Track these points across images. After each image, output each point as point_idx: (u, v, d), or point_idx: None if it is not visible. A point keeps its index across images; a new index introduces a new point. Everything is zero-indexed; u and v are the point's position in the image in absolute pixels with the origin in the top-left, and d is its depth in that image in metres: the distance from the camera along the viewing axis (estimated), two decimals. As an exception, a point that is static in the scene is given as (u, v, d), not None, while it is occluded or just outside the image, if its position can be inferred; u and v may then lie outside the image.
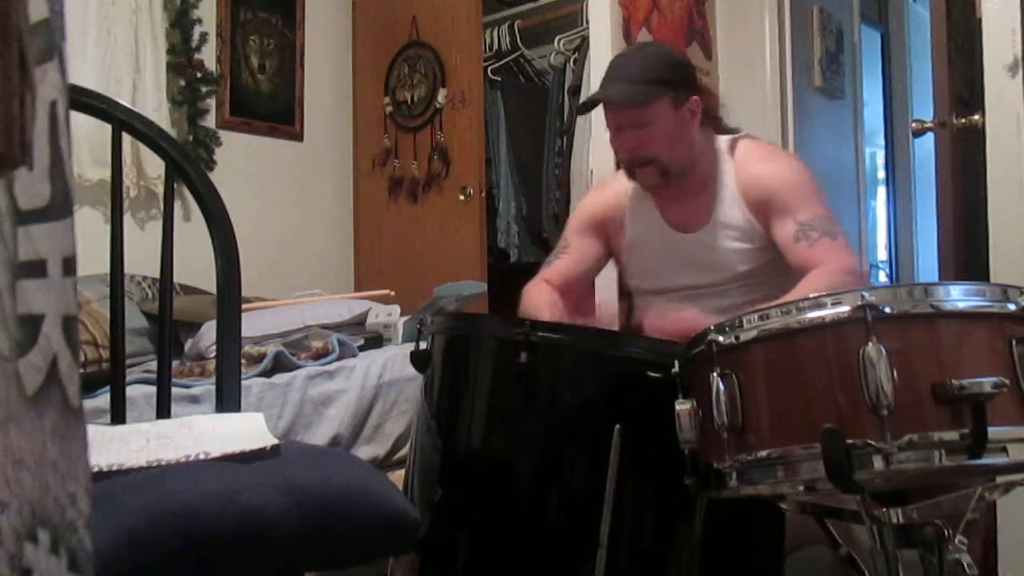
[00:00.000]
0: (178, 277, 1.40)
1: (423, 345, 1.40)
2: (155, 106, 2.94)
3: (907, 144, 4.31)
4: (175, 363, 1.86)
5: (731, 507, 1.11)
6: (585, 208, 1.96)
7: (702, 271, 1.76)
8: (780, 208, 1.65)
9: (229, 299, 1.29)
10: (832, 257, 1.57)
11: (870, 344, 0.89)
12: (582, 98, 3.13)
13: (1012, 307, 0.93)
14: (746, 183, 1.71)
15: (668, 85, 1.67)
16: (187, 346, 2.23)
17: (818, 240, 1.60)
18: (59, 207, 0.47)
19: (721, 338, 1.00)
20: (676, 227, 1.79)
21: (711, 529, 1.23)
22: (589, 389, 1.24)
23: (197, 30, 3.11)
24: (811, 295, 0.97)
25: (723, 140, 1.78)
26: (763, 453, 0.96)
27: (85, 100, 1.24)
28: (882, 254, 4.72)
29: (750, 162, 1.73)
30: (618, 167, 1.90)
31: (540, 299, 1.80)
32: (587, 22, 2.95)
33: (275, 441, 0.98)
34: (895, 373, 0.88)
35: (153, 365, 1.81)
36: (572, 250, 1.90)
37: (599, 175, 2.77)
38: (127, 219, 2.90)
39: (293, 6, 3.52)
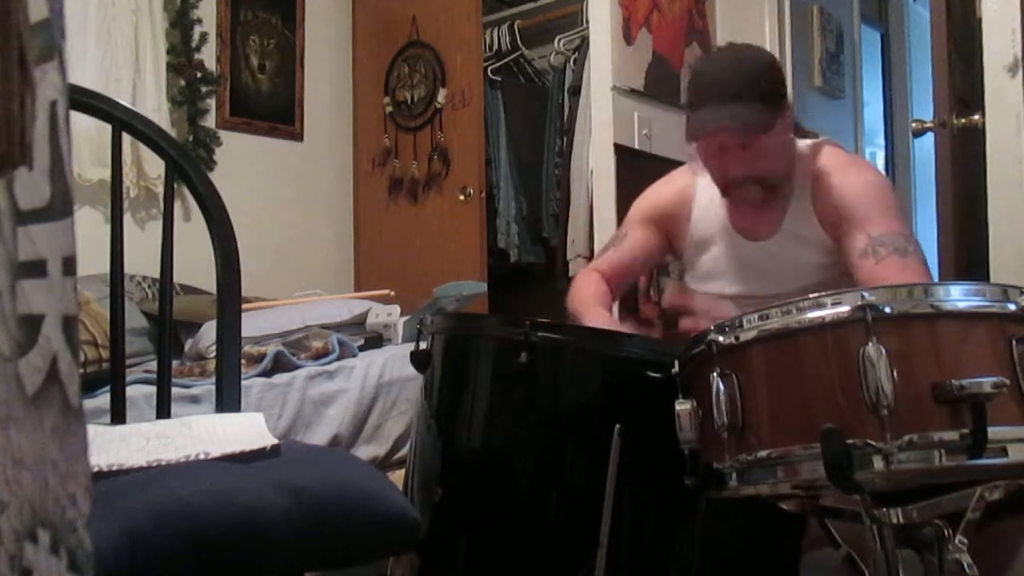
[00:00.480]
0: (178, 277, 1.40)
1: (423, 345, 1.40)
2: (155, 106, 2.94)
3: (907, 144, 4.31)
4: (175, 363, 1.86)
5: (740, 508, 1.11)
6: (649, 200, 1.85)
7: (764, 281, 1.66)
8: (852, 222, 1.55)
9: (229, 299, 1.29)
10: (899, 277, 1.44)
11: (870, 344, 0.89)
12: (582, 98, 3.14)
13: (1012, 307, 0.93)
14: (820, 195, 1.61)
15: (774, 99, 1.55)
16: (187, 346, 2.23)
17: (886, 257, 1.49)
18: (59, 207, 0.47)
19: (721, 338, 1.00)
20: (743, 233, 1.70)
21: (711, 529, 1.23)
22: (589, 389, 1.24)
23: (197, 30, 3.12)
24: (811, 295, 0.97)
25: (804, 146, 1.68)
26: (763, 453, 0.96)
27: (85, 100, 1.24)
28: (882, 254, 4.72)
29: (827, 172, 1.62)
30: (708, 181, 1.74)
31: (587, 290, 1.74)
32: (587, 22, 2.96)
33: (275, 441, 0.98)
34: (895, 373, 0.88)
35: (153, 365, 1.81)
36: (628, 240, 1.82)
37: (599, 175, 2.78)
38: (127, 219, 2.90)
39: (293, 6, 3.52)
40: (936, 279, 2.11)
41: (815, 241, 1.61)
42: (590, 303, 1.71)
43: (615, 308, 1.73)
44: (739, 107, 1.50)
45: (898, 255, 1.48)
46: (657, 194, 1.85)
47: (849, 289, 0.95)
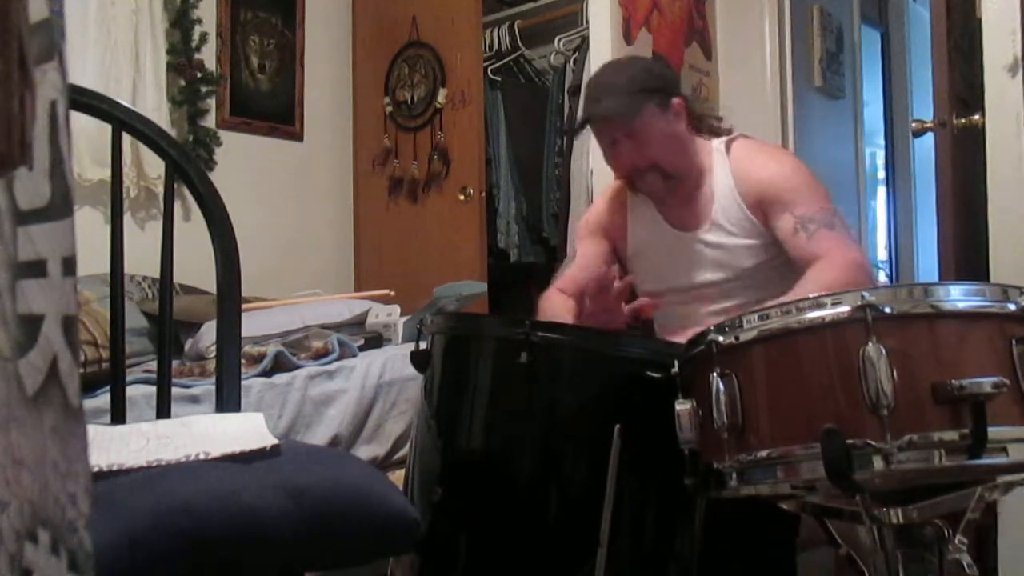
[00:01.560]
0: (178, 277, 1.40)
1: (423, 345, 1.40)
2: (155, 106, 2.94)
3: (907, 144, 4.31)
4: (175, 363, 1.86)
5: (735, 507, 1.11)
6: (589, 215, 1.99)
7: (706, 269, 1.76)
8: (778, 204, 1.66)
9: (229, 299, 1.29)
10: (834, 248, 1.56)
11: (870, 344, 0.89)
12: (582, 98, 3.14)
13: (1012, 307, 0.93)
14: (743, 180, 1.72)
15: (651, 92, 1.69)
16: (187, 346, 2.23)
17: (816, 232, 1.60)
18: (59, 207, 0.47)
19: (721, 338, 1.00)
20: (678, 227, 1.80)
21: (711, 529, 1.23)
22: (589, 389, 1.24)
23: (197, 30, 3.12)
24: (811, 294, 0.97)
25: (719, 141, 1.80)
26: (763, 453, 0.96)
27: (85, 100, 1.24)
28: (882, 254, 4.73)
29: (745, 159, 1.74)
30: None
31: (557, 308, 1.80)
32: (587, 22, 2.96)
33: (275, 441, 0.98)
34: (895, 373, 0.88)
35: (153, 365, 1.81)
36: (579, 256, 1.93)
37: (599, 175, 2.77)
38: (127, 219, 2.90)
39: (293, 6, 3.52)
40: (937, 279, 2.11)
41: (745, 224, 1.71)
42: (560, 318, 1.74)
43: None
44: (611, 100, 1.67)
45: (826, 228, 1.60)
46: (595, 208, 1.98)
47: (849, 289, 0.95)
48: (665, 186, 1.73)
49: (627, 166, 1.74)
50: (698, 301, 1.77)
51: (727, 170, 1.75)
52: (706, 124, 1.84)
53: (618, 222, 1.89)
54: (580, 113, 1.82)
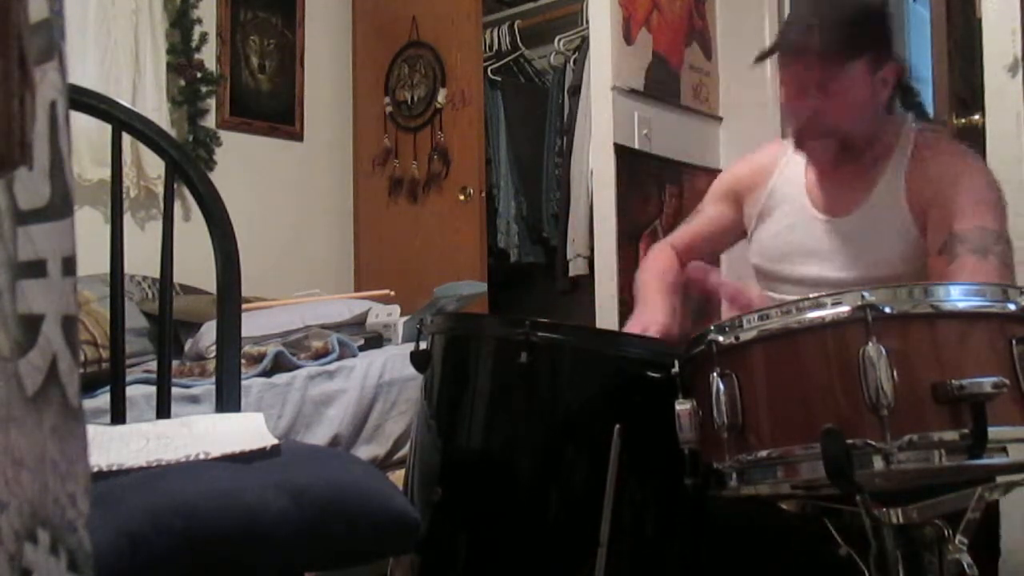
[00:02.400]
0: (178, 277, 1.40)
1: (423, 345, 1.40)
2: (155, 106, 2.94)
3: (907, 144, 4.30)
4: (175, 363, 1.86)
5: (740, 507, 1.11)
6: (728, 174, 1.78)
7: (832, 265, 1.52)
8: (939, 210, 1.39)
9: (229, 299, 1.28)
10: (970, 280, 1.26)
11: (870, 344, 0.89)
12: (582, 98, 3.14)
13: (1012, 307, 0.93)
14: (916, 174, 1.46)
15: (869, 41, 1.41)
16: (187, 346, 2.23)
17: (961, 257, 1.33)
18: (59, 207, 0.47)
19: (721, 338, 1.00)
20: (820, 207, 1.56)
21: (711, 529, 1.23)
22: (589, 389, 1.24)
23: (197, 30, 3.12)
24: (811, 296, 0.97)
25: (913, 122, 1.53)
26: (763, 453, 0.96)
27: (85, 100, 1.24)
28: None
29: (928, 150, 1.48)
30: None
31: (656, 266, 1.66)
32: (587, 22, 2.96)
33: (275, 441, 0.98)
34: (895, 373, 0.88)
35: (153, 365, 1.81)
36: (702, 215, 1.76)
37: (599, 175, 2.78)
38: (127, 219, 2.90)
39: (293, 6, 3.52)
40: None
41: (900, 226, 1.46)
42: (649, 289, 1.61)
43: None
44: (819, 33, 1.38)
45: (976, 256, 1.32)
46: (737, 167, 1.76)
47: (849, 289, 0.95)
48: (838, 158, 1.50)
49: (806, 123, 1.47)
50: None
51: (906, 157, 1.49)
52: (912, 103, 1.55)
53: (757, 184, 1.66)
54: (775, 36, 1.50)
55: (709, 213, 1.75)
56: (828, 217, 1.54)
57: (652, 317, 1.53)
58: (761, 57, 1.51)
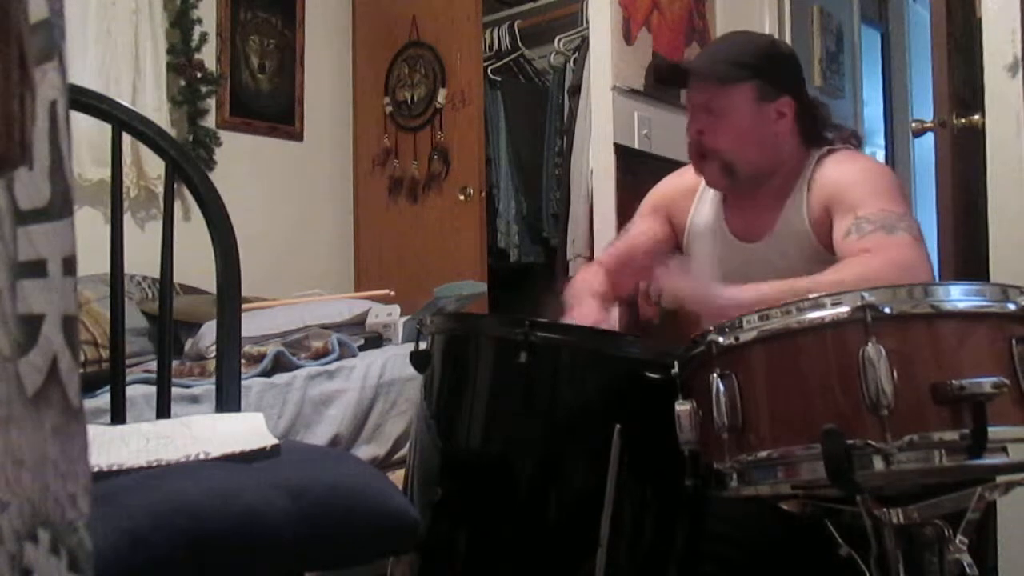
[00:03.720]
0: (178, 277, 1.40)
1: (423, 345, 1.40)
2: (155, 106, 2.94)
3: (907, 144, 4.31)
4: (175, 363, 1.86)
5: (740, 508, 1.11)
6: (655, 190, 1.82)
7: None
8: (842, 207, 1.44)
9: (229, 299, 1.29)
10: (882, 250, 1.32)
11: (870, 344, 0.89)
12: (582, 98, 3.14)
13: (1012, 307, 0.93)
14: (813, 190, 1.52)
15: (754, 71, 1.49)
16: (187, 346, 2.23)
17: (871, 233, 1.36)
18: (59, 207, 0.47)
19: (721, 339, 1.00)
20: (736, 234, 1.62)
21: (711, 529, 1.23)
22: (589, 389, 1.24)
23: (197, 30, 3.12)
24: (811, 296, 0.97)
25: (819, 152, 1.58)
26: (763, 454, 0.96)
27: (85, 100, 1.24)
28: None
29: (822, 168, 1.54)
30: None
31: (583, 280, 1.70)
32: (587, 22, 2.96)
33: (275, 441, 0.98)
34: (895, 373, 0.88)
35: (153, 365, 1.81)
36: (631, 230, 1.79)
37: (599, 175, 2.78)
38: (127, 219, 2.90)
39: (293, 6, 3.52)
40: (936, 279, 2.10)
41: (808, 246, 1.52)
42: (580, 293, 1.66)
43: (613, 302, 1.66)
44: (706, 58, 1.53)
45: (884, 231, 1.36)
46: (663, 184, 1.81)
47: (848, 289, 0.95)
48: (726, 183, 1.56)
49: (693, 141, 1.55)
50: None
51: (805, 178, 1.55)
52: (818, 138, 1.59)
53: (682, 207, 1.71)
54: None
55: (638, 228, 1.78)
56: (743, 243, 1.61)
57: (581, 312, 1.59)
58: (660, 78, 1.67)
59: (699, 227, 1.69)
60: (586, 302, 1.63)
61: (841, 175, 1.50)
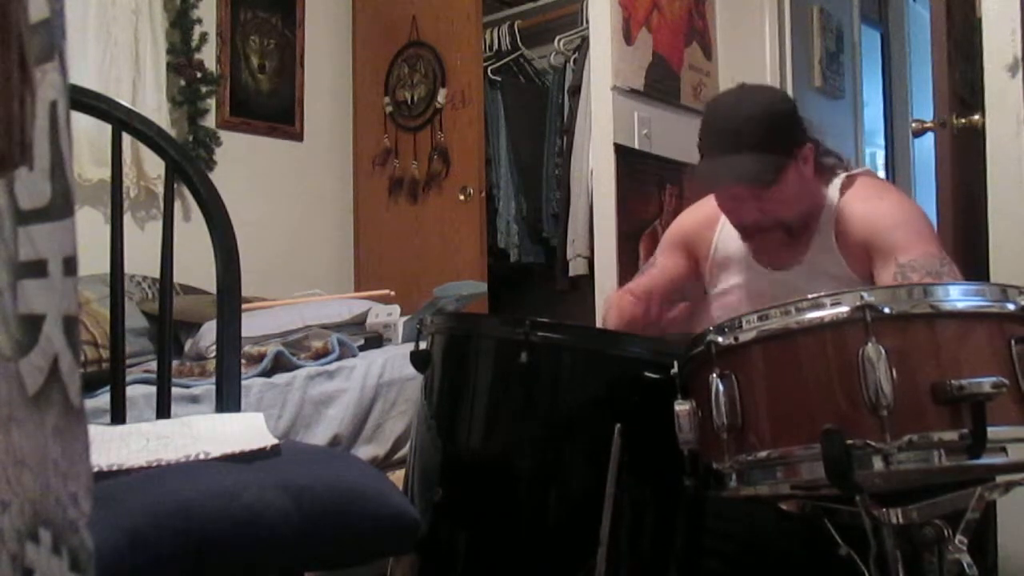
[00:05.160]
0: (178, 277, 1.40)
1: (423, 345, 1.40)
2: (155, 106, 2.94)
3: (907, 144, 4.31)
4: (175, 363, 1.86)
5: (740, 507, 1.11)
6: (676, 226, 1.86)
7: None
8: (880, 252, 1.47)
9: (229, 299, 1.29)
10: None
11: (869, 344, 0.89)
12: (582, 98, 3.14)
13: (1011, 307, 0.93)
14: (842, 227, 1.55)
15: (788, 146, 1.49)
16: (187, 346, 2.23)
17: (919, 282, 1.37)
18: (59, 207, 0.47)
19: (720, 339, 1.00)
20: (763, 262, 1.66)
21: (711, 529, 1.24)
22: (589, 389, 1.24)
23: (197, 30, 3.11)
24: (811, 296, 0.97)
25: (839, 180, 1.61)
26: (763, 454, 0.96)
27: (85, 100, 1.24)
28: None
29: (851, 203, 1.57)
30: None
31: (622, 307, 1.71)
32: (587, 22, 2.95)
33: (275, 441, 0.98)
34: (894, 373, 0.88)
35: (153, 365, 1.81)
36: (657, 266, 1.83)
37: (599, 175, 2.78)
38: (127, 219, 2.90)
39: (293, 6, 3.52)
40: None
41: (837, 274, 1.55)
42: (622, 326, 1.67)
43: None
44: (745, 161, 1.46)
45: (932, 278, 1.39)
46: (684, 220, 1.85)
47: (848, 289, 0.95)
48: (788, 239, 1.59)
49: (750, 224, 1.57)
50: None
51: (830, 217, 1.58)
52: (827, 166, 1.63)
53: (704, 239, 1.75)
54: (699, 160, 1.56)
55: (663, 265, 1.81)
56: (773, 271, 1.64)
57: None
58: (704, 188, 1.62)
59: (724, 257, 1.72)
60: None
61: (874, 214, 1.52)
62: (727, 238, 1.71)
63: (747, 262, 1.68)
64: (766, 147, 1.47)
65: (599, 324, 1.78)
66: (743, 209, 1.56)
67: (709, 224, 1.75)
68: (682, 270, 1.80)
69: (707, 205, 1.75)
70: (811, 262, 1.59)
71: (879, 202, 1.55)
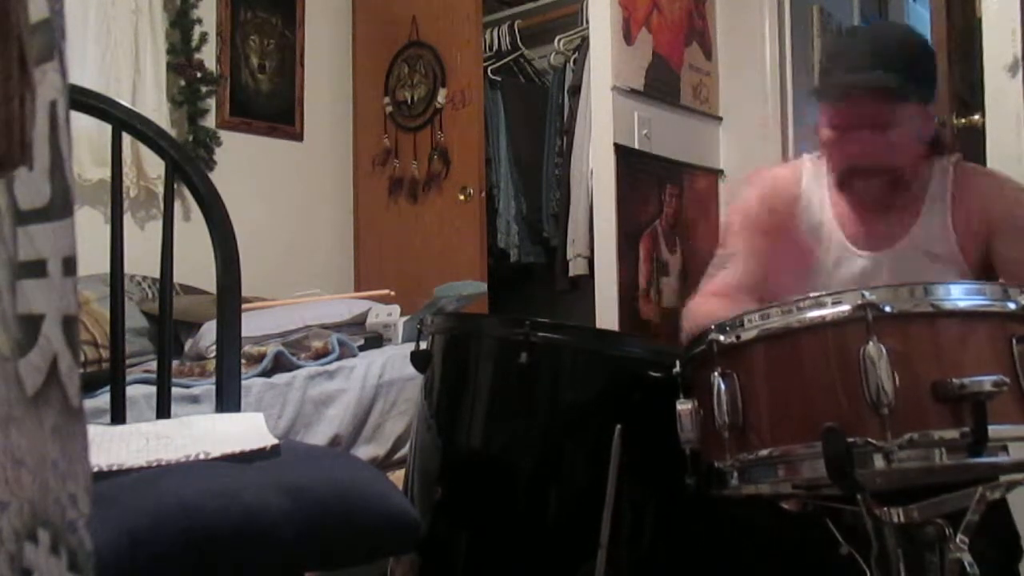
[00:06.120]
0: (178, 277, 1.40)
1: (423, 345, 1.40)
2: (155, 106, 2.94)
3: (907, 144, 4.31)
4: (175, 363, 1.86)
5: (740, 507, 1.11)
6: (750, 204, 1.59)
7: None
8: (1013, 232, 1.37)
9: (229, 299, 1.28)
10: None
11: (871, 343, 0.89)
12: (582, 98, 3.14)
13: (1012, 306, 0.93)
14: (963, 202, 1.43)
15: (925, 81, 1.39)
16: (187, 346, 2.23)
17: None
18: (59, 207, 0.47)
19: (722, 337, 1.00)
20: (855, 241, 1.49)
21: (711, 529, 1.23)
22: (589, 389, 1.24)
23: (197, 30, 3.11)
24: (811, 295, 0.97)
25: (954, 157, 1.50)
26: (764, 452, 0.96)
27: (85, 100, 1.24)
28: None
29: (974, 175, 1.46)
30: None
31: (713, 315, 1.32)
32: (587, 22, 2.96)
33: (275, 441, 0.98)
34: (896, 372, 0.88)
35: (153, 365, 1.81)
36: (740, 257, 1.54)
37: (599, 175, 2.78)
38: (127, 219, 2.90)
39: (293, 6, 3.52)
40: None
41: (949, 252, 1.42)
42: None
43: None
44: (880, 69, 1.34)
45: None
46: (752, 202, 1.60)
47: (848, 289, 0.95)
48: (887, 196, 1.45)
49: (859, 160, 1.42)
50: None
51: (945, 187, 1.45)
52: (941, 142, 1.51)
53: (783, 223, 1.54)
54: (822, 76, 1.43)
55: (750, 252, 1.54)
56: (869, 253, 1.48)
57: None
58: (828, 95, 1.44)
59: (809, 233, 1.53)
60: None
61: (1006, 185, 1.45)
62: (811, 211, 1.53)
63: (835, 240, 1.50)
64: (912, 72, 1.36)
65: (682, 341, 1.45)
66: (857, 140, 1.40)
67: (784, 204, 1.54)
68: (767, 254, 1.54)
69: (781, 174, 1.59)
70: (917, 241, 1.45)
71: (1004, 185, 1.46)
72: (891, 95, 1.36)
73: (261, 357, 2.04)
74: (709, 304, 1.48)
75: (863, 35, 1.47)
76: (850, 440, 0.88)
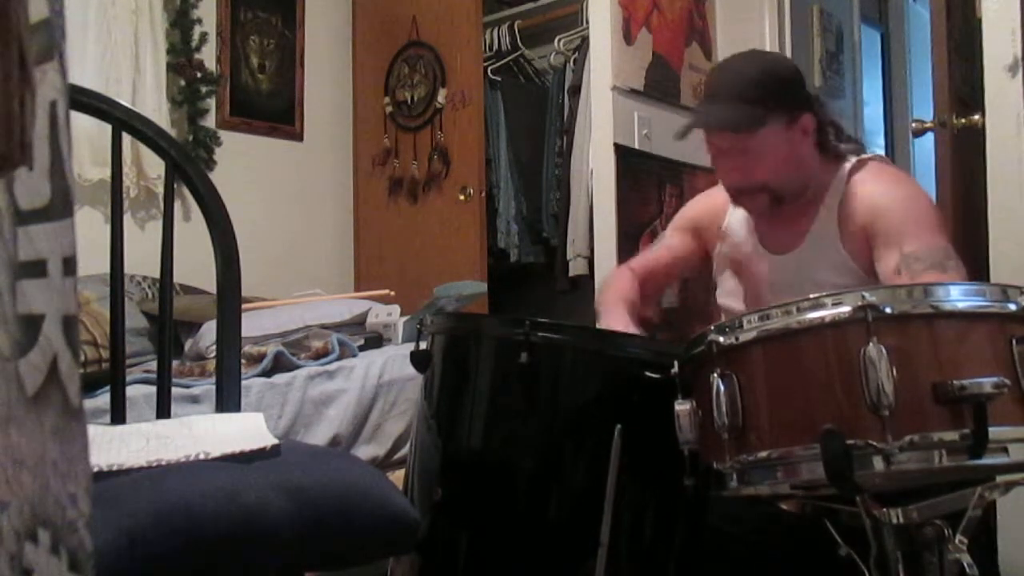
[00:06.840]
0: (178, 277, 1.40)
1: (423, 345, 1.40)
2: (155, 106, 2.94)
3: (907, 144, 4.31)
4: (175, 363, 1.86)
5: (740, 508, 1.11)
6: (686, 211, 1.87)
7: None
8: (885, 237, 1.43)
9: (229, 299, 1.28)
10: None
11: (870, 344, 0.89)
12: (582, 98, 3.14)
13: (1012, 307, 0.93)
14: (847, 210, 1.51)
15: (776, 104, 1.48)
16: (187, 346, 2.23)
17: (922, 273, 1.34)
18: (59, 207, 0.47)
19: (721, 338, 1.00)
20: (768, 247, 1.63)
21: (711, 529, 1.23)
22: (589, 389, 1.24)
23: (197, 30, 3.12)
24: (812, 296, 0.97)
25: (849, 163, 1.57)
26: (763, 454, 0.96)
27: (85, 100, 1.24)
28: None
29: (859, 184, 1.52)
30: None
31: (616, 286, 1.73)
32: (587, 22, 2.96)
33: (275, 441, 0.98)
34: (895, 373, 0.88)
35: (153, 365, 1.81)
36: (663, 245, 1.84)
37: (599, 175, 2.78)
38: (127, 219, 2.90)
39: (293, 6, 3.52)
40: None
41: (836, 260, 1.51)
42: (612, 301, 1.68)
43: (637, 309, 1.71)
44: (725, 108, 1.48)
45: (936, 270, 1.34)
46: (694, 204, 1.85)
47: (849, 289, 0.95)
48: (772, 209, 1.56)
49: (733, 183, 1.56)
50: None
51: (839, 194, 1.54)
52: (840, 150, 1.59)
53: (713, 223, 1.74)
54: (691, 113, 1.58)
55: (669, 244, 1.82)
56: (772, 254, 1.62)
57: (609, 323, 1.62)
58: (682, 134, 1.57)
59: (731, 243, 1.70)
60: (616, 312, 1.65)
61: (879, 198, 1.48)
62: (735, 223, 1.70)
63: (753, 246, 1.66)
64: (748, 98, 1.47)
65: (596, 301, 1.76)
66: (726, 163, 1.55)
67: (718, 211, 1.74)
68: (689, 251, 1.79)
69: (718, 194, 1.73)
70: (811, 245, 1.56)
71: (889, 186, 1.51)
72: (737, 127, 1.47)
73: (261, 357, 2.04)
74: (620, 277, 1.77)
75: (725, 69, 1.59)
76: (850, 442, 0.88)
